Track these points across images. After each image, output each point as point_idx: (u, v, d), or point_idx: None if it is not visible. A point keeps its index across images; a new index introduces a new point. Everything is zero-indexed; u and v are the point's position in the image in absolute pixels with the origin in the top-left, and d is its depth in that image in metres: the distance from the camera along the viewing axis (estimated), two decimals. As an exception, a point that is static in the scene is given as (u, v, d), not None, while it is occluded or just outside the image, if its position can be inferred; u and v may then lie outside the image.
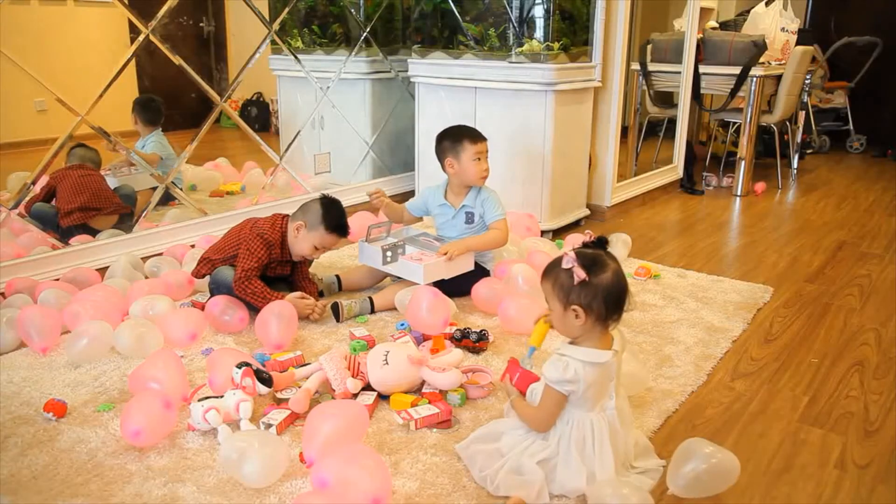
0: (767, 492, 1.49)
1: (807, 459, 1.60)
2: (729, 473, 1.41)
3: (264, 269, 2.24)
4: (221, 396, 1.63)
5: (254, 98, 4.81)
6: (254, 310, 2.16)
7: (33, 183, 2.51)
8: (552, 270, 1.42)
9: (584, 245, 1.44)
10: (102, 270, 2.51)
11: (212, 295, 2.32)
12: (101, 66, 3.42)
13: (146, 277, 2.50)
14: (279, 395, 1.73)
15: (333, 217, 2.24)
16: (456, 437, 1.61)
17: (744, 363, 2.06)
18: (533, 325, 1.55)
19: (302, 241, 2.25)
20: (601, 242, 1.44)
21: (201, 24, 4.57)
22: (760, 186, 4.24)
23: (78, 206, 2.77)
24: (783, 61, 4.34)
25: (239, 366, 1.68)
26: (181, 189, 2.99)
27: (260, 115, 4.77)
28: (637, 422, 1.66)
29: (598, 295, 1.37)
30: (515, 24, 3.13)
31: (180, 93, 4.11)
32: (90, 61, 3.46)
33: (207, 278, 2.35)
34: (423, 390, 1.77)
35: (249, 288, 2.16)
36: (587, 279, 1.36)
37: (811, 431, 1.71)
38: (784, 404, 1.84)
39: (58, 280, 2.38)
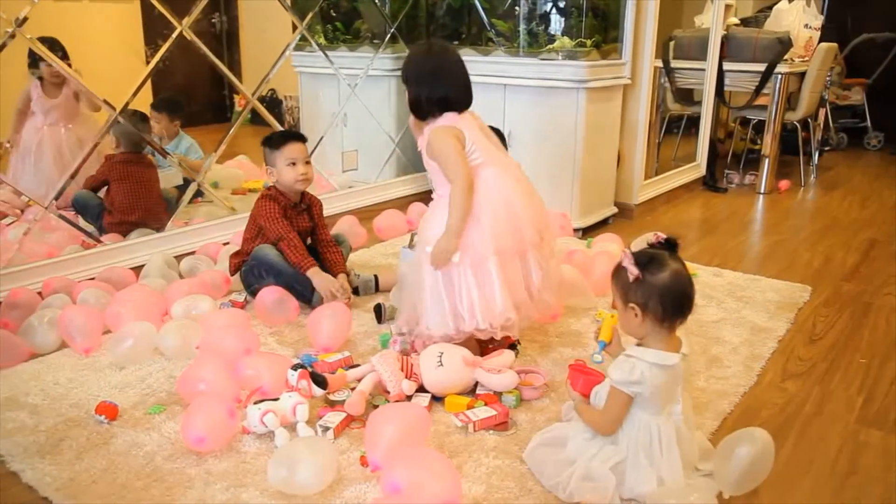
0: (836, 495, 1.47)
1: (871, 462, 1.58)
2: (769, 454, 1.39)
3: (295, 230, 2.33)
4: (277, 399, 1.61)
5: (268, 95, 4.78)
6: (302, 300, 2.23)
7: (72, 176, 2.50)
8: (618, 269, 1.41)
9: (651, 245, 1.42)
10: (134, 269, 2.48)
11: (247, 282, 2.32)
12: (115, 62, 3.40)
13: (181, 276, 2.48)
14: (332, 398, 1.71)
15: (273, 138, 2.36)
16: (515, 440, 1.59)
17: (792, 363, 2.04)
18: (600, 321, 1.54)
19: (279, 174, 2.33)
20: (670, 244, 1.41)
21: (213, 20, 4.55)
22: (785, 184, 4.22)
23: (130, 220, 2.75)
24: (806, 58, 4.32)
25: (294, 368, 1.66)
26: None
27: (276, 112, 4.73)
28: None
29: (654, 294, 1.35)
30: (544, 21, 3.11)
31: (193, 90, 4.09)
32: (104, 57, 3.43)
33: (241, 274, 2.37)
34: (478, 392, 1.75)
35: (293, 242, 2.26)
36: (641, 277, 1.35)
37: (871, 433, 1.69)
38: (839, 405, 1.82)
39: (93, 279, 2.36)
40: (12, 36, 2.19)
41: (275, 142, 2.34)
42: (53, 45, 2.51)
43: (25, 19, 2.21)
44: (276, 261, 2.25)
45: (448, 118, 1.88)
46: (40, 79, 2.87)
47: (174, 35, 2.61)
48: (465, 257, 1.78)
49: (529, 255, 1.87)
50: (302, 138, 2.39)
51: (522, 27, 3.15)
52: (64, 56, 2.59)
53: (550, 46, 3.03)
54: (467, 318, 1.78)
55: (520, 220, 1.84)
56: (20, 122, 2.92)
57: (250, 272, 2.29)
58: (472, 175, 1.81)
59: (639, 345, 1.41)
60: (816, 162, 4.81)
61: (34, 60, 2.75)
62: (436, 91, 1.88)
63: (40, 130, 2.92)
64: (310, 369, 1.69)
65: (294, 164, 2.31)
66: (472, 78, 3.22)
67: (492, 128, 2.44)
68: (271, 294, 2.15)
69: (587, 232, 3.21)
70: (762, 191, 4.15)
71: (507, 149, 2.37)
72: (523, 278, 1.85)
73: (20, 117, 2.93)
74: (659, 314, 1.36)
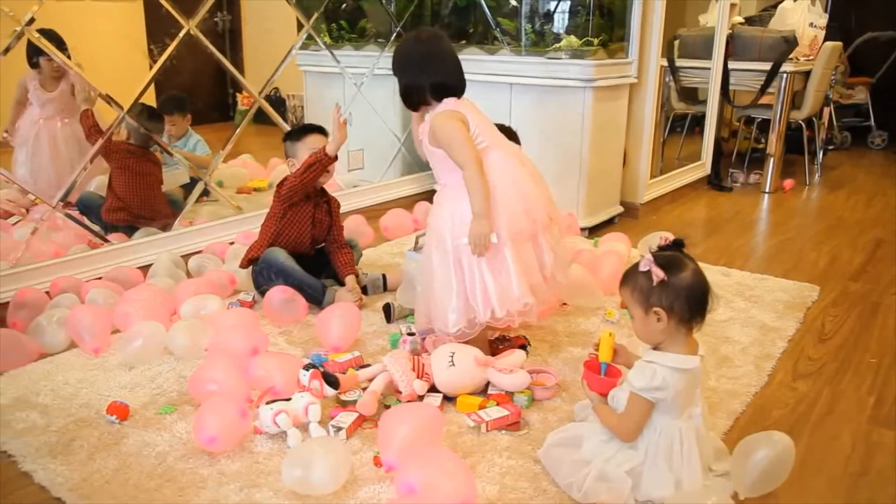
0: (850, 495, 1.47)
1: (883, 462, 1.58)
2: (788, 460, 1.39)
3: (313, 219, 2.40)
4: (289, 399, 1.60)
5: (272, 94, 4.77)
6: (313, 301, 2.23)
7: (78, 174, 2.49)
8: (631, 275, 1.40)
9: (661, 248, 1.42)
10: (141, 268, 2.48)
11: (256, 282, 2.33)
12: (118, 61, 3.39)
13: (188, 276, 2.48)
14: (343, 398, 1.71)
15: (294, 131, 2.46)
16: (528, 440, 1.59)
17: (802, 363, 2.04)
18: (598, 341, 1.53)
19: (300, 163, 2.34)
20: (678, 244, 1.42)
21: (216, 19, 4.54)
22: (789, 183, 4.21)
23: (125, 207, 2.75)
24: (811, 57, 4.31)
25: (306, 368, 1.65)
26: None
27: (280, 111, 4.72)
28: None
29: (679, 295, 1.35)
30: (551, 20, 3.10)
31: (197, 88, 4.08)
32: (107, 56, 3.42)
33: (251, 272, 2.37)
34: (489, 392, 1.75)
35: (312, 166, 2.27)
36: (666, 279, 1.34)
37: (883, 433, 1.69)
38: (850, 405, 1.82)
39: (100, 279, 2.35)
40: (21, 35, 2.19)
41: (297, 133, 2.42)
42: (52, 37, 2.50)
43: (33, 20, 2.20)
44: (287, 264, 2.24)
45: (449, 103, 1.86)
46: (38, 71, 2.83)
47: (181, 34, 2.61)
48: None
49: (541, 237, 1.86)
50: (323, 131, 2.43)
51: (525, 25, 3.14)
52: (62, 49, 2.59)
53: (557, 45, 3.02)
54: (481, 309, 1.76)
55: (530, 202, 1.84)
56: (17, 113, 2.88)
57: (260, 273, 2.29)
58: (481, 157, 1.79)
59: (656, 349, 1.40)
60: (821, 161, 4.81)
61: (34, 61, 2.73)
62: (428, 77, 1.86)
63: (37, 123, 2.89)
64: (321, 369, 1.69)
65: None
66: (478, 77, 3.26)
67: (503, 126, 2.45)
68: (280, 293, 2.15)
69: (593, 231, 3.21)
70: (767, 190, 4.15)
71: (520, 145, 2.37)
72: (536, 260, 1.85)
73: (18, 108, 2.88)
74: (685, 315, 1.36)
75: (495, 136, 1.90)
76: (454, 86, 1.89)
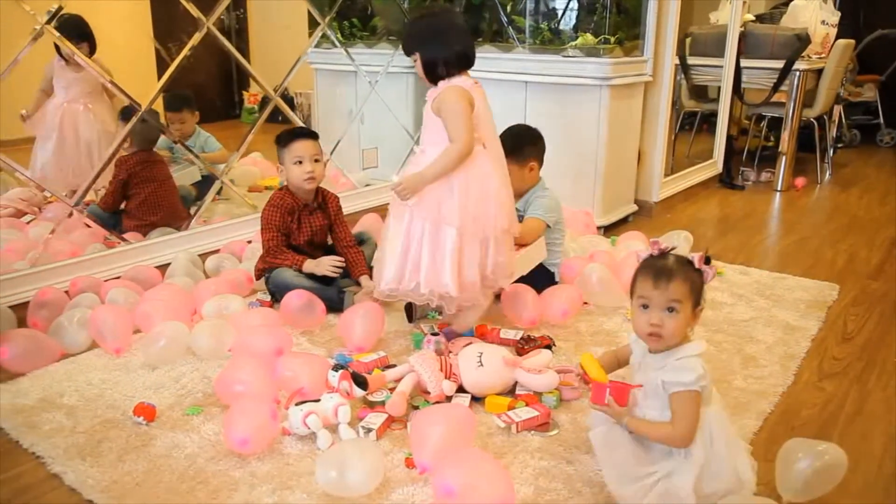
0: (887, 495, 1.46)
1: (917, 463, 1.57)
2: (840, 467, 1.38)
3: (307, 231, 2.34)
4: (318, 400, 1.59)
5: (284, 93, 4.75)
6: (332, 310, 2.17)
7: (95, 178, 2.48)
8: (683, 271, 1.35)
9: (656, 255, 1.42)
10: (158, 268, 2.46)
11: (272, 296, 2.29)
12: (125, 61, 3.38)
13: (206, 275, 2.46)
14: (371, 399, 1.69)
15: (283, 136, 2.30)
16: (559, 440, 1.58)
17: (827, 363, 2.03)
18: (581, 367, 1.49)
19: (287, 173, 2.28)
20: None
21: (222, 17, 4.52)
22: (801, 181, 4.20)
23: (151, 221, 2.74)
24: (823, 55, 4.30)
25: (335, 368, 1.64)
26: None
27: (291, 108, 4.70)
28: (736, 423, 1.61)
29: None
30: (564, 17, 3.09)
31: (203, 86, 4.07)
32: (112, 56, 3.41)
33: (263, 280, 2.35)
34: (517, 392, 1.74)
35: (278, 258, 2.26)
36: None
37: (913, 434, 1.68)
38: (878, 405, 1.81)
39: (118, 278, 2.34)
40: (40, 34, 2.18)
41: (283, 139, 2.28)
42: (76, 26, 2.50)
43: (57, 13, 2.19)
44: (294, 283, 2.19)
45: (467, 82, 1.88)
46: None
47: (200, 32, 2.60)
48: (428, 218, 1.84)
49: (491, 242, 1.90)
50: (312, 135, 2.30)
51: (539, 22, 3.12)
52: (89, 38, 2.59)
53: (573, 43, 3.01)
54: (408, 277, 1.85)
55: (490, 206, 1.88)
56: (40, 101, 2.88)
57: (273, 294, 2.29)
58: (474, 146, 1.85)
59: (672, 349, 1.36)
60: (831, 159, 4.79)
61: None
62: (451, 49, 1.87)
63: (60, 108, 2.89)
64: (350, 370, 1.67)
65: (301, 162, 2.24)
66: (492, 75, 3.24)
67: (522, 127, 2.42)
68: (297, 298, 2.10)
69: (609, 230, 3.19)
70: (779, 188, 4.14)
71: (524, 153, 2.32)
72: (479, 261, 1.89)
73: (42, 96, 2.89)
74: None
75: (488, 133, 1.93)
76: (472, 55, 1.93)
